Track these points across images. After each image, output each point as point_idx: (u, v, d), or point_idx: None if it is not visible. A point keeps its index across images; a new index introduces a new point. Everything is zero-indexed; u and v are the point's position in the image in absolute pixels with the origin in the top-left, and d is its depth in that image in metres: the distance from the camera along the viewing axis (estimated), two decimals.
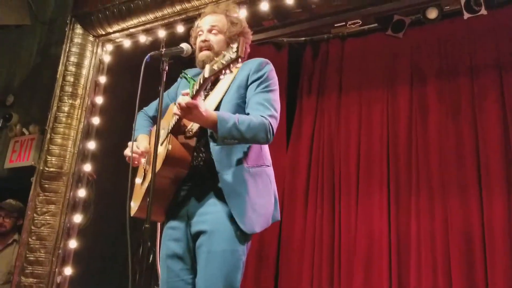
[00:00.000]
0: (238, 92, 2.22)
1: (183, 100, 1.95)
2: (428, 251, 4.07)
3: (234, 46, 1.81)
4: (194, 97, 1.98)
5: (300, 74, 5.25)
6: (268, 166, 2.28)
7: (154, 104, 2.58)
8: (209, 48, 2.28)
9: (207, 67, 1.91)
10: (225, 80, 2.25)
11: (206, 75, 1.90)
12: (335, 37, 5.08)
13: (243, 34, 2.36)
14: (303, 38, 5.23)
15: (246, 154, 2.17)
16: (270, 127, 2.11)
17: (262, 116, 2.10)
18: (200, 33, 2.35)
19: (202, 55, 2.29)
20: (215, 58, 1.95)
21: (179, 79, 2.52)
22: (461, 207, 4.02)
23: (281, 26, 4.15)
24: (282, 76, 5.17)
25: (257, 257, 4.80)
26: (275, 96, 2.23)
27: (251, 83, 2.22)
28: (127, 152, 2.27)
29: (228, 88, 2.24)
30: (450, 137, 4.23)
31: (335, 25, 4.65)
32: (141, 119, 2.51)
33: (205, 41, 2.29)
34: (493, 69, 4.19)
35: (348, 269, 4.35)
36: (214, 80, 2.30)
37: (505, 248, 3.78)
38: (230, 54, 1.81)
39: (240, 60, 1.79)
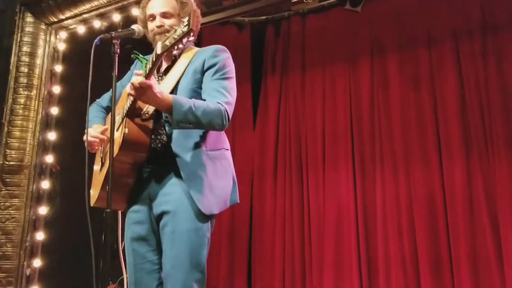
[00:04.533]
0: (194, 77, 2.18)
1: (137, 80, 1.91)
2: (394, 217, 4.17)
3: (185, 19, 1.78)
4: (147, 76, 1.95)
5: (263, 54, 5.23)
6: (227, 150, 2.28)
7: (107, 95, 2.52)
8: (166, 32, 2.19)
9: (159, 44, 1.88)
10: (180, 65, 2.22)
11: (159, 51, 1.87)
12: (296, 14, 5.06)
13: (195, 13, 2.33)
14: (264, 17, 5.19)
15: (204, 137, 2.16)
16: (226, 114, 2.09)
17: (218, 102, 2.08)
18: (151, 18, 2.29)
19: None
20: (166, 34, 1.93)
21: (132, 66, 2.48)
22: (424, 174, 4.10)
23: (241, 4, 4.12)
24: (246, 56, 5.16)
25: (230, 237, 4.86)
26: (232, 84, 2.20)
27: (207, 69, 2.19)
28: (86, 138, 2.23)
29: (183, 73, 2.21)
30: (411, 107, 4.29)
31: (293, 0, 4.62)
32: (94, 111, 2.45)
33: (160, 26, 2.24)
34: (449, 37, 4.24)
35: (319, 241, 4.44)
36: (170, 62, 2.28)
37: (465, 211, 3.89)
38: (182, 28, 1.78)
39: (192, 33, 1.76)
